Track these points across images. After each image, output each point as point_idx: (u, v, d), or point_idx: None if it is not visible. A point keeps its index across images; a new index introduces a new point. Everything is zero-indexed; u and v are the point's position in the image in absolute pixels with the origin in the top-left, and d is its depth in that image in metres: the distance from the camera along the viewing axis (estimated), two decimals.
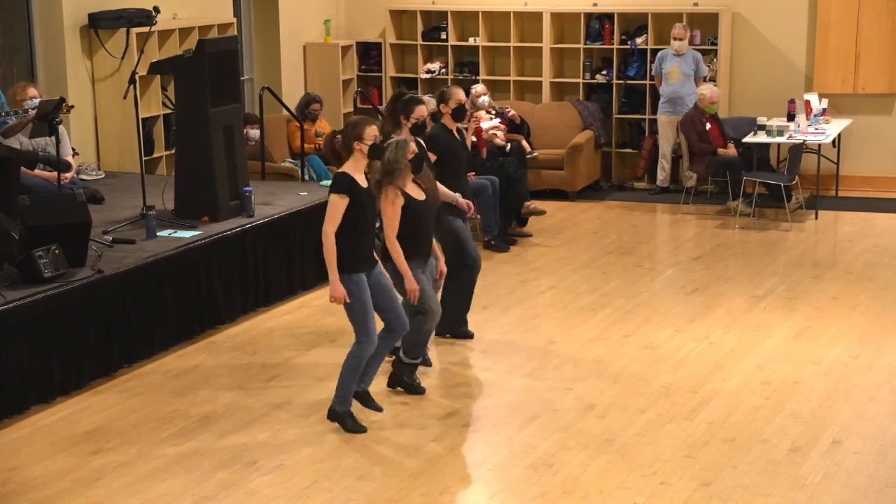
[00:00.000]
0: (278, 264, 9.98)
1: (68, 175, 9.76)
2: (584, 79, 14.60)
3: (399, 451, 7.08)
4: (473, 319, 9.25)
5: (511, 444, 7.15)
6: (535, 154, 13.05)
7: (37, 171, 9.79)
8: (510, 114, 13.02)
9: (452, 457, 7.03)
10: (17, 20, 11.21)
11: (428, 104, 8.73)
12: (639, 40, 14.30)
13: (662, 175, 14.06)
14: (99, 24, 11.47)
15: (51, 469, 6.86)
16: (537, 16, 14.58)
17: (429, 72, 15.00)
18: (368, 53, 15.30)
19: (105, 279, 8.27)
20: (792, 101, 13.62)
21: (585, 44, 14.53)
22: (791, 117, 13.47)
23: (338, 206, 7.00)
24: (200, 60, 9.62)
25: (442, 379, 8.22)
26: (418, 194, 7.50)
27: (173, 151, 10.94)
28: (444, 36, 14.96)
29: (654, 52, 14.06)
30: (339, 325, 7.34)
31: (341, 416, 7.32)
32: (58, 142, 9.43)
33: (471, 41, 14.88)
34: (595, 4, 14.47)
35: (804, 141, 12.68)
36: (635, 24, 14.47)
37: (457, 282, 8.66)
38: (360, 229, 7.07)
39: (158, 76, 11.55)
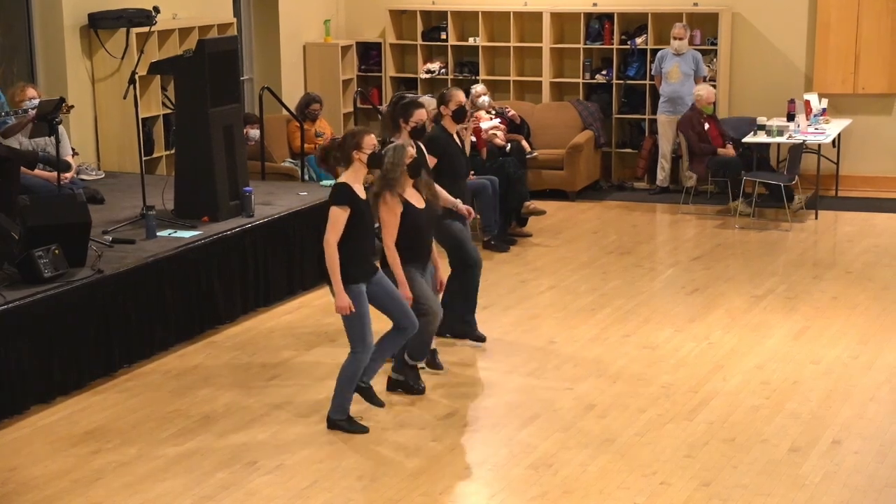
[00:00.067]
0: (278, 264, 9.98)
1: (68, 175, 9.76)
2: (583, 79, 14.60)
3: (399, 451, 7.08)
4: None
5: (511, 444, 7.15)
6: (534, 154, 13.05)
7: (37, 171, 9.79)
8: (510, 114, 13.02)
9: (452, 457, 7.03)
10: (17, 20, 11.21)
11: (428, 104, 8.72)
12: (639, 40, 14.31)
13: (662, 175, 14.06)
14: (99, 24, 11.47)
15: (51, 469, 6.86)
16: (537, 16, 14.58)
17: (429, 72, 15.00)
18: (368, 53, 15.30)
19: (105, 279, 8.27)
20: (792, 101, 13.62)
21: (585, 44, 14.53)
22: (791, 117, 13.47)
23: (339, 217, 6.99)
24: (200, 60, 9.62)
25: (442, 379, 8.22)
26: (418, 202, 7.49)
27: (173, 151, 10.94)
28: (443, 36, 14.96)
29: (654, 52, 14.06)
30: (339, 325, 7.34)
31: (339, 424, 7.33)
32: (58, 142, 9.43)
33: (471, 41, 14.88)
34: (595, 4, 14.47)
35: (804, 141, 12.68)
36: (635, 24, 14.47)
37: (458, 282, 8.66)
38: (357, 239, 7.06)
39: (158, 76, 11.55)
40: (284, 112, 12.90)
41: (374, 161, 7.12)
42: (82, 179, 10.79)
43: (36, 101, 9.73)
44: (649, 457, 6.93)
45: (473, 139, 11.58)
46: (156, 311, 8.69)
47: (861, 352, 8.70)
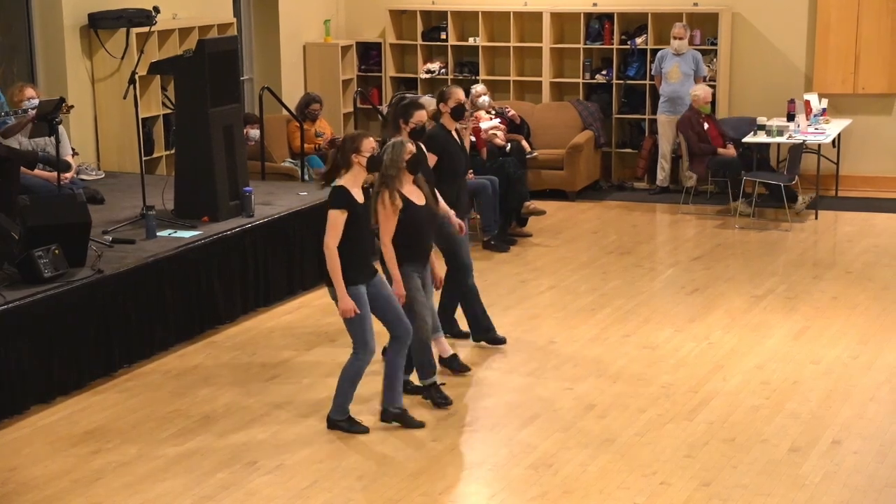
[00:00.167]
0: (278, 264, 9.98)
1: (68, 175, 9.76)
2: (583, 79, 14.60)
3: (399, 451, 7.08)
4: None
5: (511, 444, 7.15)
6: (534, 154, 13.05)
7: (37, 171, 9.79)
8: (510, 114, 13.02)
9: (452, 457, 7.03)
10: (17, 20, 11.21)
11: (428, 104, 8.72)
12: (639, 40, 14.31)
13: (662, 175, 14.06)
14: (99, 24, 11.47)
15: (51, 469, 6.86)
16: (537, 16, 14.58)
17: (429, 72, 15.00)
18: (368, 53, 15.30)
19: (105, 279, 8.27)
20: (792, 101, 13.62)
21: (585, 44, 14.53)
22: (791, 117, 13.47)
23: (338, 220, 7.00)
24: (200, 60, 9.62)
25: (442, 379, 8.21)
26: (418, 199, 7.48)
27: (173, 151, 10.94)
28: (443, 36, 14.95)
29: (654, 52, 14.06)
30: (339, 325, 7.34)
31: (339, 424, 7.33)
32: (57, 142, 9.43)
33: (471, 41, 14.88)
34: (595, 4, 14.47)
35: (804, 141, 12.68)
36: (635, 24, 14.47)
37: (449, 284, 8.58)
38: (355, 242, 7.06)
39: (158, 76, 11.55)
40: (284, 112, 12.89)
41: (373, 164, 7.12)
42: (82, 179, 10.79)
43: (35, 101, 9.74)
44: (649, 457, 6.93)
45: (473, 139, 11.59)
46: (156, 311, 8.69)
47: (861, 352, 8.70)
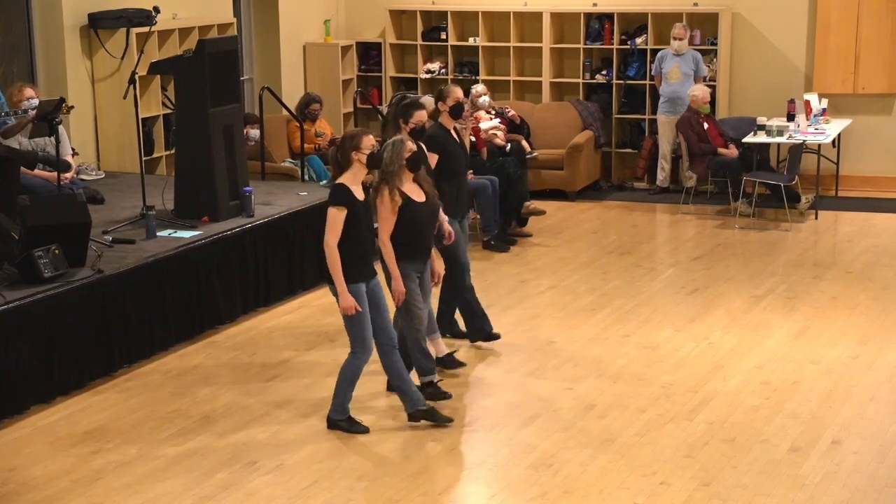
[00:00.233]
0: (278, 264, 9.98)
1: (68, 175, 9.76)
2: (583, 79, 14.60)
3: (399, 451, 7.08)
4: None
5: (511, 444, 7.15)
6: (534, 154, 13.05)
7: (37, 171, 9.79)
8: (510, 114, 13.02)
9: (452, 457, 7.03)
10: (17, 20, 11.21)
11: (428, 104, 8.71)
12: (639, 40, 14.31)
13: (662, 175, 14.06)
14: (99, 24, 11.47)
15: (51, 469, 6.86)
16: (537, 16, 14.58)
17: (429, 72, 15.00)
18: (368, 53, 15.30)
19: (105, 279, 8.27)
20: (792, 101, 13.61)
21: (585, 44, 14.53)
22: (791, 117, 13.47)
23: (338, 218, 7.00)
24: (200, 60, 9.62)
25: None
26: (418, 196, 7.47)
27: (173, 151, 10.94)
28: (443, 36, 14.95)
29: (654, 52, 14.06)
30: (339, 325, 7.34)
31: (339, 424, 7.34)
32: (58, 142, 9.43)
33: (471, 41, 14.88)
34: (595, 4, 14.47)
35: (804, 141, 12.68)
36: (635, 24, 14.47)
37: (449, 283, 8.57)
38: (355, 240, 7.06)
39: (158, 76, 11.55)
40: (284, 112, 12.89)
41: (374, 161, 7.12)
42: (82, 179, 10.79)
43: (35, 101, 9.74)
44: (649, 457, 6.93)
45: (473, 139, 11.59)
46: (156, 311, 8.69)
47: (861, 352, 8.70)
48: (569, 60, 14.79)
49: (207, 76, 9.62)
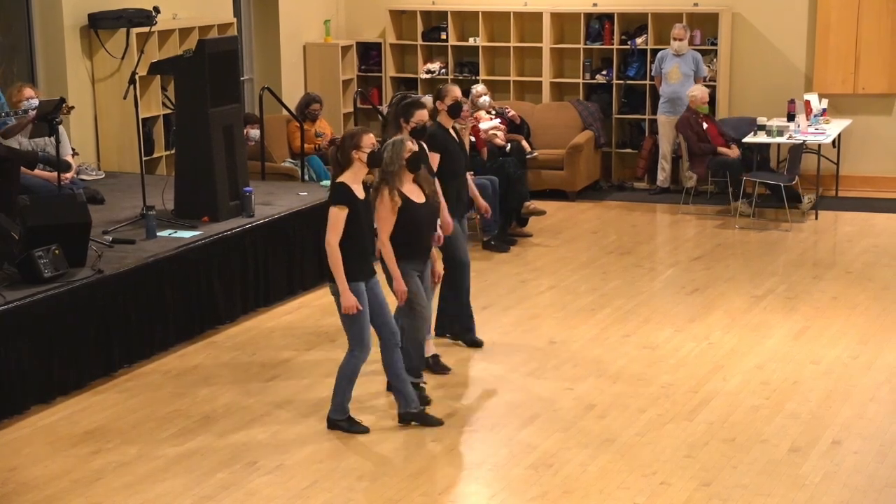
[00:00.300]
0: (278, 264, 9.98)
1: (68, 175, 9.76)
2: (584, 79, 14.60)
3: (399, 451, 7.08)
4: (474, 319, 9.27)
5: (511, 444, 7.15)
6: (535, 154, 13.05)
7: (37, 171, 9.79)
8: (510, 114, 13.02)
9: (452, 457, 7.03)
10: (17, 20, 11.21)
11: (429, 104, 8.71)
12: (639, 40, 14.31)
13: (662, 175, 14.06)
14: (99, 24, 11.47)
15: (51, 469, 6.86)
16: (537, 16, 14.58)
17: (429, 72, 15.00)
18: (368, 53, 15.30)
19: (105, 279, 8.27)
20: (792, 102, 13.62)
21: (585, 44, 14.53)
22: (791, 117, 13.47)
23: (339, 217, 7.00)
24: (200, 60, 9.62)
25: (442, 379, 8.22)
26: (418, 197, 7.47)
27: (173, 151, 10.94)
28: (444, 36, 14.95)
29: (654, 52, 14.06)
30: (339, 324, 7.33)
31: (339, 424, 7.33)
32: (58, 142, 9.43)
33: (471, 41, 14.88)
34: (595, 4, 14.46)
35: (804, 141, 12.68)
36: (635, 24, 14.47)
37: (446, 282, 8.57)
38: (355, 238, 7.05)
39: (158, 76, 11.55)
40: (284, 112, 12.89)
41: (374, 160, 7.12)
42: (82, 179, 10.79)
43: (34, 102, 9.74)
44: (649, 457, 6.93)
45: (473, 139, 11.59)
46: (156, 311, 8.69)
47: (861, 352, 8.70)
48: (569, 60, 14.79)
49: (207, 76, 9.62)
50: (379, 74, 15.23)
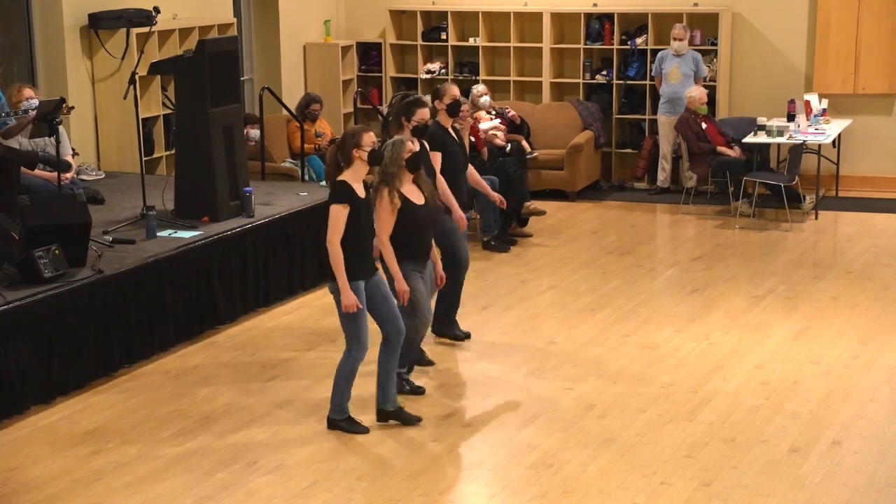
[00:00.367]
0: (278, 264, 9.98)
1: (68, 175, 9.76)
2: (584, 79, 14.60)
3: (399, 451, 7.08)
4: (474, 319, 9.28)
5: (511, 444, 7.15)
6: (535, 154, 13.05)
7: (37, 172, 9.80)
8: (510, 114, 13.02)
9: (452, 457, 7.03)
10: (17, 20, 11.21)
11: (428, 103, 8.71)
12: (639, 40, 14.31)
13: (663, 175, 14.06)
14: (99, 24, 11.47)
15: (51, 469, 6.86)
16: (537, 16, 14.58)
17: (429, 72, 15.00)
18: (368, 54, 15.30)
19: (105, 279, 8.27)
20: (792, 102, 13.62)
21: (585, 44, 14.53)
22: (791, 117, 13.47)
23: (340, 215, 6.99)
24: (200, 60, 9.62)
25: (442, 379, 8.22)
26: (418, 198, 7.46)
27: (173, 151, 10.94)
28: (444, 36, 14.95)
29: (654, 52, 14.06)
30: (339, 325, 7.33)
31: (339, 424, 7.33)
32: (58, 142, 9.43)
33: (471, 41, 14.88)
34: (595, 4, 14.47)
35: (804, 141, 12.68)
36: (635, 24, 14.47)
37: (448, 283, 8.57)
38: (356, 237, 7.05)
39: (158, 76, 11.55)
40: (284, 112, 12.90)
41: (375, 158, 7.12)
42: (82, 179, 10.79)
43: (34, 102, 9.74)
44: (649, 457, 6.93)
45: (472, 139, 11.58)
46: (156, 311, 8.68)
47: (861, 352, 8.70)
48: (569, 60, 14.79)
49: (207, 76, 9.62)
50: (379, 74, 15.23)
